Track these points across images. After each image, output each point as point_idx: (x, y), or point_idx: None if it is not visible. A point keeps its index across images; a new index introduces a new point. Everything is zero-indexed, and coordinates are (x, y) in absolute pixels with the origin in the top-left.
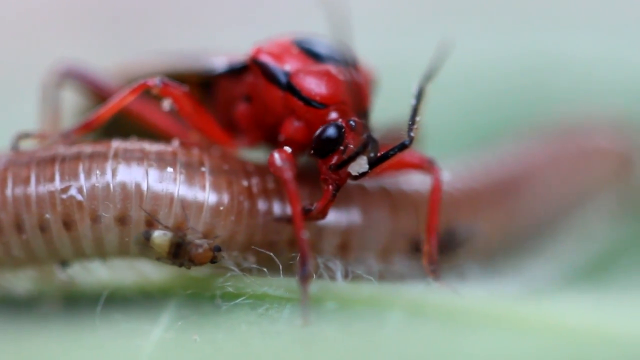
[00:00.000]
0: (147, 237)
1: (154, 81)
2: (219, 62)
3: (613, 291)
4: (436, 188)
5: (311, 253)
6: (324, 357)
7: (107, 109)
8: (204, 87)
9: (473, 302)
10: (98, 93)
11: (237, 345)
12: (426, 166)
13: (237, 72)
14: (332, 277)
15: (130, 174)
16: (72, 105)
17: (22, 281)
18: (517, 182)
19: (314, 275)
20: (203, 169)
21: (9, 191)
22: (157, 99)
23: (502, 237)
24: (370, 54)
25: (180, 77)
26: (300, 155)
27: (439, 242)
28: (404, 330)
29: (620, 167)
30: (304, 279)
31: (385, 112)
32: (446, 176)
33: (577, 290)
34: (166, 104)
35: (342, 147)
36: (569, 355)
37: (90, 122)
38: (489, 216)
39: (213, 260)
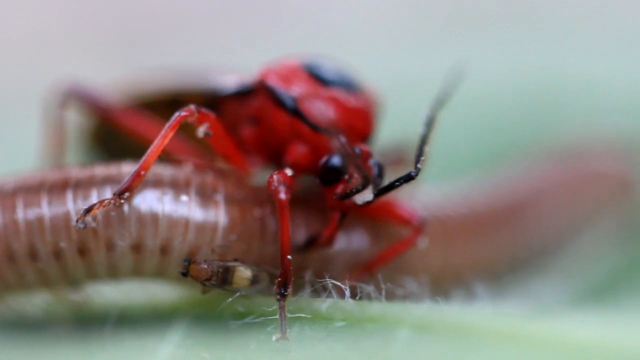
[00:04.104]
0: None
1: (190, 109)
2: (226, 82)
3: (620, 310)
4: (406, 243)
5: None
6: None
7: (152, 152)
8: (209, 107)
9: (480, 319)
10: (100, 112)
11: None
12: (415, 223)
13: (244, 93)
14: (341, 296)
15: (144, 201)
16: (75, 124)
17: (33, 302)
18: (524, 204)
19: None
20: (217, 196)
21: (21, 220)
22: (193, 126)
23: (508, 257)
24: (378, 73)
25: (184, 97)
26: (304, 177)
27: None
28: (412, 348)
29: (623, 190)
30: (283, 297)
31: (393, 129)
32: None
33: (584, 309)
34: (202, 130)
35: (347, 176)
36: None
37: (139, 171)
38: (494, 238)
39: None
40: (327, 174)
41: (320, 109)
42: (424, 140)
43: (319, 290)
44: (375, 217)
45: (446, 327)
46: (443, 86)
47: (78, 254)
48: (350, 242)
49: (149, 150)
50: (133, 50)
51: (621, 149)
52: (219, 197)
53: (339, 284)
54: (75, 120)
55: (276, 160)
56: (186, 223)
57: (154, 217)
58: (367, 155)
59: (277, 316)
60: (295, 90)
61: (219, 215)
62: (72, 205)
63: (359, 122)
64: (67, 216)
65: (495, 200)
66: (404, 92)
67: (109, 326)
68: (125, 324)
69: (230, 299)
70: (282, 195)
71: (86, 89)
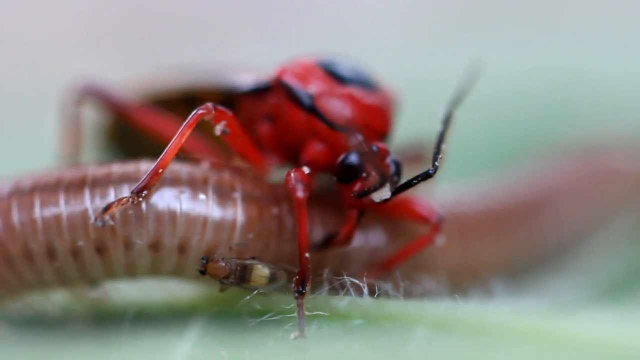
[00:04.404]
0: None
1: (208, 107)
2: (242, 80)
3: (637, 308)
4: (424, 240)
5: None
6: None
7: (169, 150)
8: (225, 105)
9: (498, 317)
10: (116, 110)
11: None
12: (433, 221)
13: (260, 91)
14: (359, 294)
15: (162, 199)
16: (92, 122)
17: (51, 300)
18: (540, 201)
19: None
20: (235, 195)
21: (39, 219)
22: (210, 124)
23: (525, 255)
24: (394, 71)
25: (200, 95)
26: (321, 175)
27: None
28: (429, 346)
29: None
30: (301, 295)
31: (410, 127)
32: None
33: (601, 307)
34: (219, 128)
35: (364, 174)
36: None
37: (157, 169)
38: (512, 236)
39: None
40: (344, 172)
41: (337, 107)
42: (441, 138)
43: (337, 288)
44: (393, 215)
45: (464, 325)
46: (459, 84)
47: (96, 253)
48: (368, 239)
49: (166, 149)
50: (149, 49)
51: (637, 147)
52: (237, 195)
53: (357, 281)
54: (91, 117)
55: (293, 158)
56: (204, 221)
57: (172, 216)
58: (384, 153)
59: (295, 314)
60: (311, 88)
61: (236, 213)
62: (89, 203)
63: (375, 120)
64: (84, 214)
65: (512, 198)
66: (420, 90)
67: (127, 324)
68: (143, 321)
69: (248, 297)
70: (300, 194)
71: (102, 87)
